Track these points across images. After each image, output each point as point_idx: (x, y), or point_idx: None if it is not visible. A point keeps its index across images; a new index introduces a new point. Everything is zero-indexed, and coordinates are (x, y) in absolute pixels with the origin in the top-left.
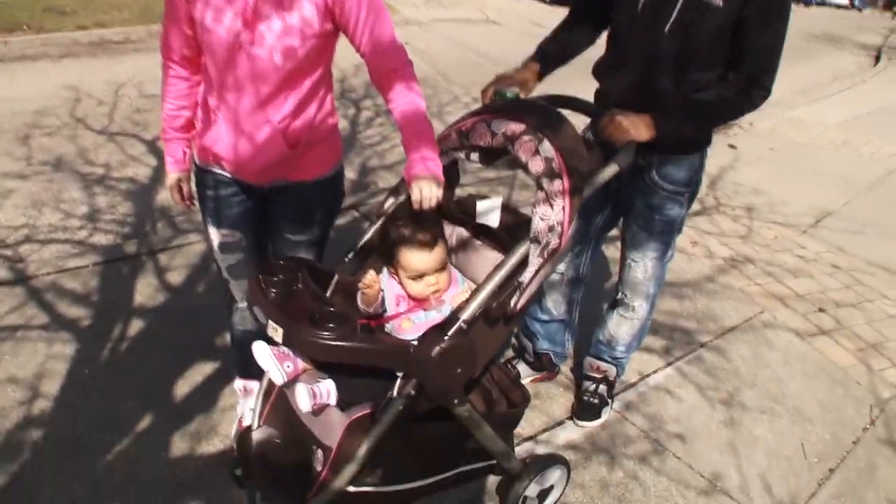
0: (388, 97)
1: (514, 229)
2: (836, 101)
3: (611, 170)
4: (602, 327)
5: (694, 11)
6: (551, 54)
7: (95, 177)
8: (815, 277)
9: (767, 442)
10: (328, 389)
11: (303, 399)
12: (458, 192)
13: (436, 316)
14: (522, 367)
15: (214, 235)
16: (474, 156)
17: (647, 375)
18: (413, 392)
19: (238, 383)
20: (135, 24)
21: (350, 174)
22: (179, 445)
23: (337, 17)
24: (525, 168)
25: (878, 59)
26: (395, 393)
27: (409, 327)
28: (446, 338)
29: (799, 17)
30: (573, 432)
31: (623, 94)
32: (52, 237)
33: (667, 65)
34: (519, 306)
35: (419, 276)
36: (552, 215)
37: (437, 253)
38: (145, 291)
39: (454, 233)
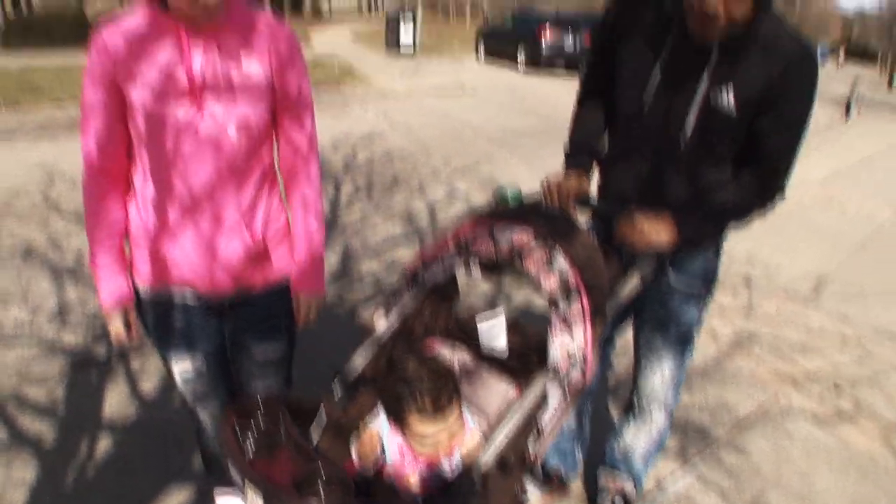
0: (292, 187)
1: (525, 353)
2: (815, 157)
3: (632, 282)
4: (616, 437)
5: (708, 118)
6: (585, 152)
7: (66, 266)
8: (824, 352)
9: None
10: None
11: None
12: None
13: (445, 468)
14: (530, 488)
15: (176, 367)
16: (475, 267)
17: (664, 482)
18: None
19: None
20: None
21: (331, 259)
22: None
23: (273, 74)
24: (536, 284)
25: (847, 110)
26: None
27: (414, 482)
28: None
29: None
30: None
31: (631, 189)
32: (18, 334)
33: (679, 163)
34: (539, 454)
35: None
36: (572, 343)
37: (452, 416)
38: (116, 402)
39: (454, 356)
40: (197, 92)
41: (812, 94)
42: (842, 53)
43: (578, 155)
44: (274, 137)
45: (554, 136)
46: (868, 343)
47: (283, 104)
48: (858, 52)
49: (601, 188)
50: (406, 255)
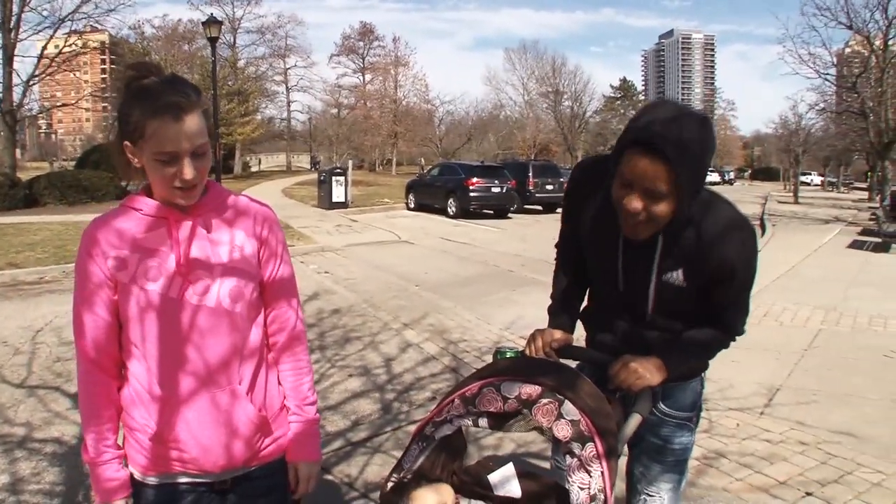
0: (284, 358)
1: (538, 497)
2: None
3: (635, 421)
4: None
5: (663, 290)
6: (565, 314)
7: (16, 439)
8: (789, 459)
9: None
10: None
11: None
12: None
13: None
14: None
15: None
16: (482, 421)
17: None
18: None
19: None
20: (49, 263)
21: None
22: None
23: (262, 252)
24: (546, 433)
25: (762, 226)
26: None
27: None
28: None
29: None
30: None
31: (613, 341)
32: None
33: (651, 324)
34: None
35: None
36: (592, 483)
37: (445, 490)
38: None
39: None
40: (192, 271)
41: (755, 260)
42: (747, 175)
43: (560, 316)
44: (263, 309)
45: (494, 283)
46: (827, 445)
47: (271, 276)
48: (762, 172)
49: (588, 338)
50: (368, 408)
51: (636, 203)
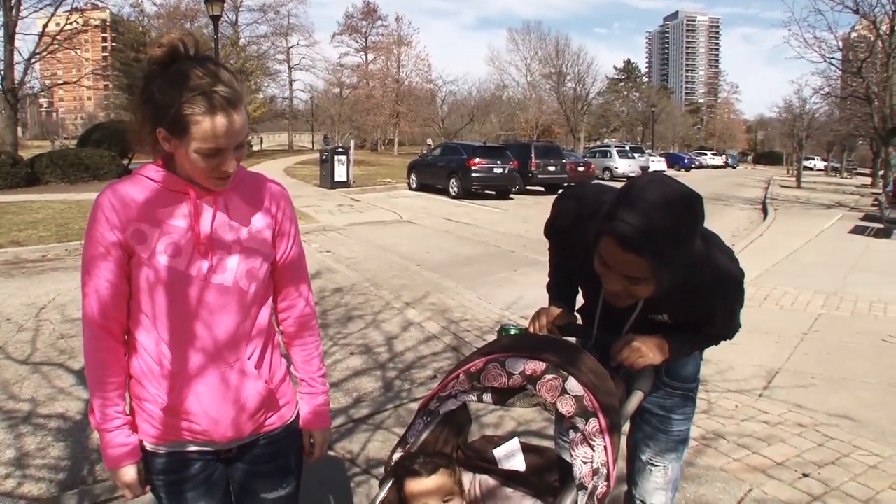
0: (297, 334)
1: (542, 471)
2: (744, 258)
3: (637, 398)
4: None
5: (644, 325)
6: (564, 293)
7: (21, 414)
8: (787, 441)
9: None
10: None
11: None
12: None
13: None
14: None
15: None
16: (487, 397)
17: None
18: None
19: None
20: (51, 241)
21: None
22: None
23: (276, 232)
24: (550, 408)
25: (764, 211)
26: None
27: None
28: None
29: (683, 182)
30: None
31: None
32: None
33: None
34: None
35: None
36: (595, 457)
37: (438, 479)
38: None
39: (475, 481)
40: (209, 248)
41: (740, 297)
42: (750, 159)
43: (558, 300)
44: (273, 288)
45: (495, 263)
46: (825, 428)
47: (283, 256)
48: (765, 156)
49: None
50: (370, 386)
51: (615, 285)
